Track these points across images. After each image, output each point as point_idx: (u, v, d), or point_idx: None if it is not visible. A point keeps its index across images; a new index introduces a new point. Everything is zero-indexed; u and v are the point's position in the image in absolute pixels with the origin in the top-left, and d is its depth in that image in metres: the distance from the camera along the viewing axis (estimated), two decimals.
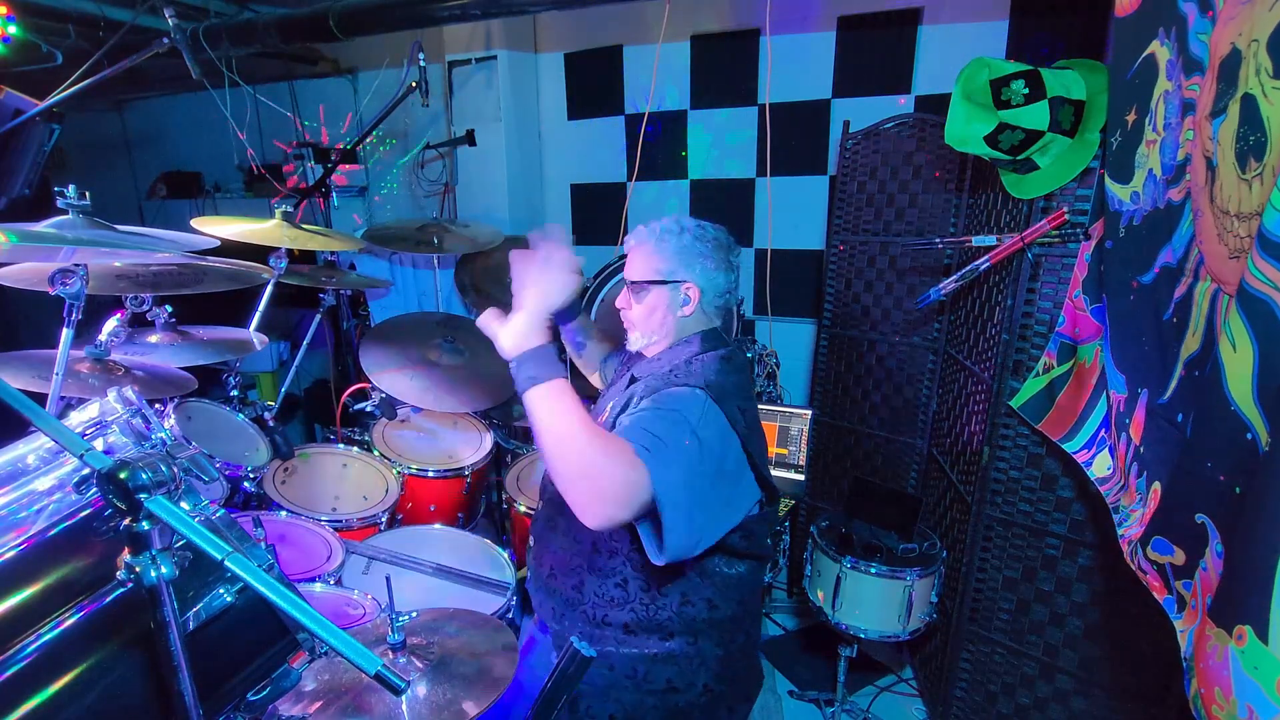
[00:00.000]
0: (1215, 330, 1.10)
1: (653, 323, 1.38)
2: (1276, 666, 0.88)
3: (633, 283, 1.39)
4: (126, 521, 0.66)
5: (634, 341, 1.42)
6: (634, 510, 1.08)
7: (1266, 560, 0.89)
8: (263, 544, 1.21)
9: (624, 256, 1.44)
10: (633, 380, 1.38)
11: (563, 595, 1.37)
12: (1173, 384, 1.25)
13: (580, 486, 1.08)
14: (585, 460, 1.07)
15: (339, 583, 1.82)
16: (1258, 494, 0.93)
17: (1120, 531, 1.40)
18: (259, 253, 2.12)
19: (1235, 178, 1.06)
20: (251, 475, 2.03)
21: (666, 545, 1.11)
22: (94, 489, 0.70)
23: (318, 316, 2.58)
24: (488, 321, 1.23)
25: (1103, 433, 1.60)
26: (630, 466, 1.07)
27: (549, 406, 1.11)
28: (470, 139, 3.27)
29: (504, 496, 2.46)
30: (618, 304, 1.44)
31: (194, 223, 1.94)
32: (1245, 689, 0.92)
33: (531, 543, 1.50)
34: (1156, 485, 1.28)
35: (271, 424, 2.15)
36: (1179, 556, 1.16)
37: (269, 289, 2.23)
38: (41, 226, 1.29)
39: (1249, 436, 0.97)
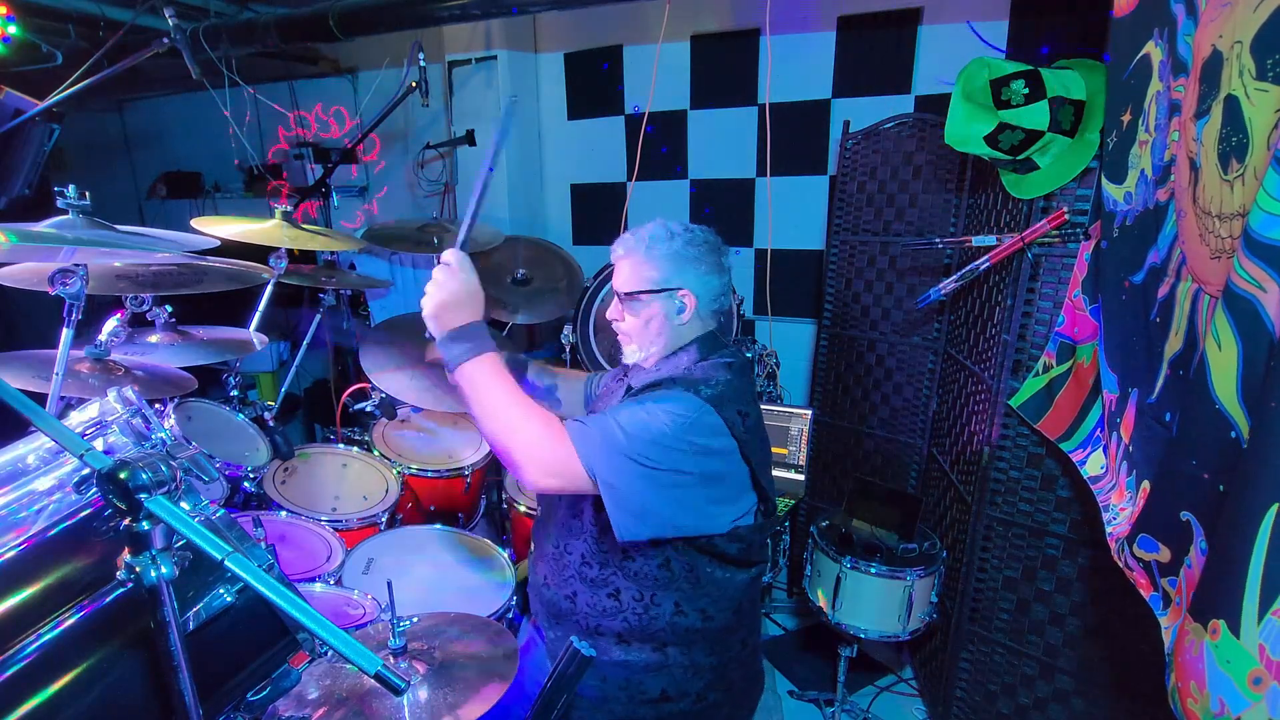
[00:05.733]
0: (1197, 330, 1.10)
1: (649, 334, 1.34)
2: (1248, 660, 0.89)
3: (625, 294, 1.34)
4: (126, 521, 0.66)
5: (630, 355, 1.38)
6: (563, 479, 1.14)
7: (1240, 555, 0.90)
8: (263, 544, 1.21)
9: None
10: (629, 390, 1.34)
11: (556, 605, 1.36)
12: (1159, 383, 1.25)
13: (505, 447, 1.15)
14: (509, 425, 1.15)
15: (339, 583, 1.83)
16: (1237, 490, 0.94)
17: (1109, 530, 1.40)
18: (259, 253, 2.12)
19: (1218, 179, 1.06)
20: (251, 475, 2.03)
21: (613, 523, 1.14)
22: (94, 489, 0.70)
23: (317, 316, 2.57)
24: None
25: (1098, 432, 1.60)
26: (554, 437, 1.14)
27: (474, 384, 1.16)
28: (470, 139, 3.27)
29: (504, 496, 2.46)
30: (609, 316, 1.39)
31: (194, 223, 1.94)
32: (1218, 682, 0.93)
33: (532, 546, 1.50)
34: (1145, 484, 1.28)
35: (271, 424, 2.16)
36: (1165, 554, 1.16)
37: (269, 289, 2.23)
38: (41, 226, 1.29)
39: (1233, 435, 0.97)
